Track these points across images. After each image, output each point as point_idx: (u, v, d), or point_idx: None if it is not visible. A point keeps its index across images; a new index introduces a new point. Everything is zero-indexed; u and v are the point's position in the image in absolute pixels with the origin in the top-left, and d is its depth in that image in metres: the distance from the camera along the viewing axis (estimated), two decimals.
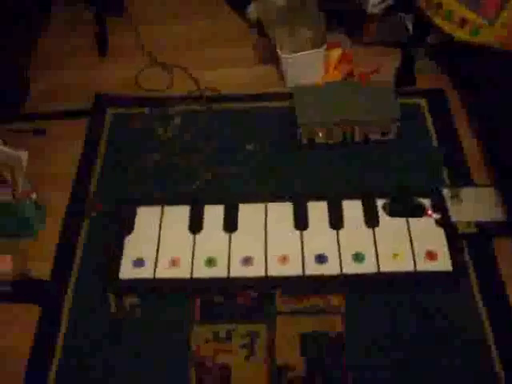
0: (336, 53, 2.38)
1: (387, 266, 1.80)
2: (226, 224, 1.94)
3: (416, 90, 2.34)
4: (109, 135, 2.29)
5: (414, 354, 1.69)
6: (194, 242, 1.90)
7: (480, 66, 2.11)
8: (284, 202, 1.97)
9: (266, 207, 1.97)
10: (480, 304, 1.77)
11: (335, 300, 1.78)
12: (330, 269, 1.81)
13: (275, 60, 2.38)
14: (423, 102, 2.30)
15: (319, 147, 2.14)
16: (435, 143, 2.16)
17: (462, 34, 2.05)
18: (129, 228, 1.95)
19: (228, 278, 1.82)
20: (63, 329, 1.80)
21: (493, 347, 1.69)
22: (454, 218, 1.87)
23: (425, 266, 1.80)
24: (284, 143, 2.18)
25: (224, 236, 1.91)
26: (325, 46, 2.30)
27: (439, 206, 1.91)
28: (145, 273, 1.84)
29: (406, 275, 1.79)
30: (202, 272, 1.84)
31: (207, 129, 2.26)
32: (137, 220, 1.97)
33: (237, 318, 1.77)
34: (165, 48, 2.61)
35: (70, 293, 1.86)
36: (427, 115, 2.25)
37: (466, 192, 1.93)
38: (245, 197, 2.01)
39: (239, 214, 1.96)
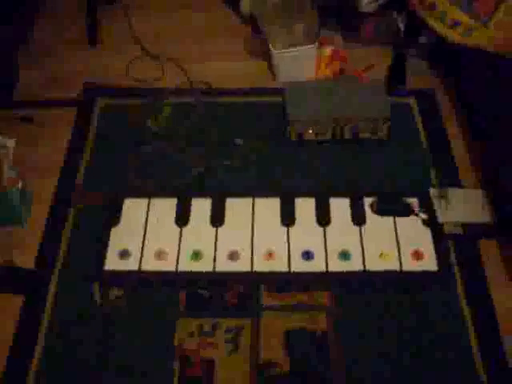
0: (328, 50, 2.39)
1: (373, 265, 1.81)
2: (213, 218, 1.93)
3: (407, 89, 2.34)
4: (98, 125, 2.27)
5: (396, 351, 1.68)
6: (181, 235, 1.90)
7: (471, 66, 2.11)
8: (271, 197, 1.97)
9: (253, 202, 1.96)
10: (464, 304, 1.77)
11: (321, 297, 1.78)
12: (316, 266, 1.81)
13: (267, 55, 2.38)
14: (413, 102, 2.30)
15: (308, 144, 2.14)
16: (424, 143, 2.17)
17: (454, 36, 2.05)
18: (115, 219, 1.94)
19: (214, 272, 1.82)
20: (46, 322, 1.77)
21: (475, 347, 1.70)
22: (440, 219, 1.88)
23: (411, 265, 1.81)
24: (273, 139, 2.17)
25: (211, 230, 1.91)
26: (317, 43, 2.30)
27: (426, 206, 1.92)
28: (130, 265, 1.83)
29: (392, 274, 1.80)
30: (188, 265, 1.83)
31: (197, 122, 2.25)
32: (123, 211, 1.96)
33: (222, 313, 1.76)
34: (157, 39, 2.60)
35: (54, 283, 1.85)
36: (417, 115, 2.26)
37: (454, 193, 1.93)
38: (232, 191, 2.01)
39: (226, 208, 1.96)
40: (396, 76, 2.34)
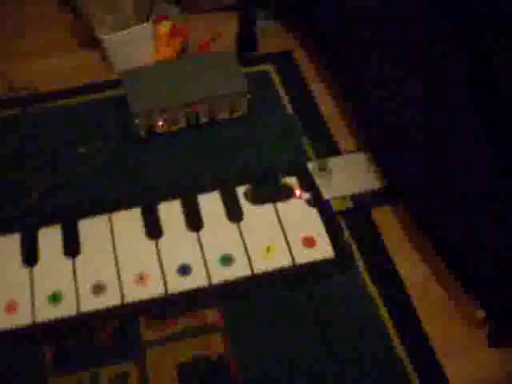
0: (166, 26, 2.15)
1: (262, 265, 1.61)
2: (67, 247, 1.66)
3: (261, 55, 2.17)
4: None
5: (306, 358, 1.48)
6: (32, 277, 1.61)
7: (328, 17, 1.93)
8: (130, 208, 1.73)
9: (109, 218, 1.71)
10: (370, 284, 1.60)
11: (210, 316, 1.54)
12: (196, 280, 1.59)
13: (97, 43, 2.10)
14: (271, 68, 2.12)
15: (161, 137, 1.90)
16: (290, 111, 1.99)
17: None
18: None
19: (78, 314, 1.55)
20: None
21: (390, 327, 1.53)
22: (326, 195, 1.71)
23: (304, 255, 1.62)
24: (120, 139, 1.91)
25: (66, 263, 1.63)
26: (151, 20, 2.07)
27: (307, 184, 1.74)
28: None
29: (285, 271, 1.60)
30: (47, 313, 1.55)
31: (29, 135, 1.93)
32: None
33: (99, 360, 1.49)
34: None
35: None
36: (277, 82, 2.07)
37: (334, 162, 1.77)
38: (83, 210, 1.73)
39: (80, 232, 1.68)
40: (246, 42, 2.16)
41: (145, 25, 2.04)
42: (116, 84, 2.01)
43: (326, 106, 2.00)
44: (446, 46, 1.53)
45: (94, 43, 2.13)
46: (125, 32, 2.01)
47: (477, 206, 1.43)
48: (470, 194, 1.45)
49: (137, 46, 2.07)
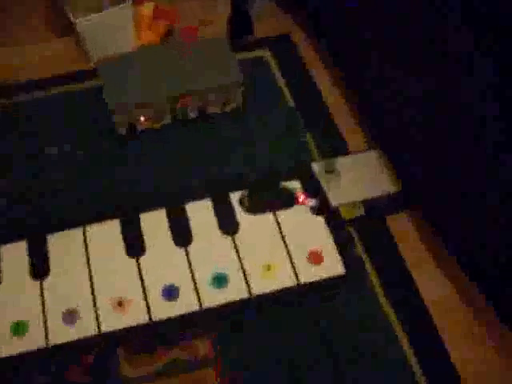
0: (148, 8, 2.00)
1: (260, 286, 1.45)
2: (34, 268, 1.49)
3: (256, 39, 2.02)
4: None
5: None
6: None
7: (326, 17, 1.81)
8: (107, 220, 1.56)
9: (84, 232, 1.54)
10: (385, 303, 1.45)
11: (202, 346, 1.37)
12: (185, 305, 1.42)
13: (72, 29, 1.92)
14: (268, 54, 1.97)
15: (143, 135, 1.74)
16: (291, 103, 1.85)
17: None
18: None
19: (47, 346, 1.38)
20: None
21: (408, 350, 1.38)
22: (334, 202, 1.56)
23: (309, 273, 1.47)
24: (98, 137, 1.74)
25: (33, 286, 1.47)
26: (131, 1, 1.89)
27: (312, 188, 1.60)
28: None
29: (288, 292, 1.43)
30: (10, 346, 1.38)
31: None
32: None
33: None
34: None
35: None
36: (275, 69, 1.93)
37: (343, 163, 1.63)
38: (53, 223, 1.56)
39: (49, 249, 1.51)
40: (239, 26, 2.00)
41: (123, 5, 1.87)
42: (92, 75, 1.84)
43: (330, 94, 1.88)
44: (446, 46, 1.45)
45: (68, 29, 1.96)
46: (101, 14, 1.85)
47: (477, 206, 1.37)
48: (469, 193, 1.39)
49: (115, 30, 1.91)
